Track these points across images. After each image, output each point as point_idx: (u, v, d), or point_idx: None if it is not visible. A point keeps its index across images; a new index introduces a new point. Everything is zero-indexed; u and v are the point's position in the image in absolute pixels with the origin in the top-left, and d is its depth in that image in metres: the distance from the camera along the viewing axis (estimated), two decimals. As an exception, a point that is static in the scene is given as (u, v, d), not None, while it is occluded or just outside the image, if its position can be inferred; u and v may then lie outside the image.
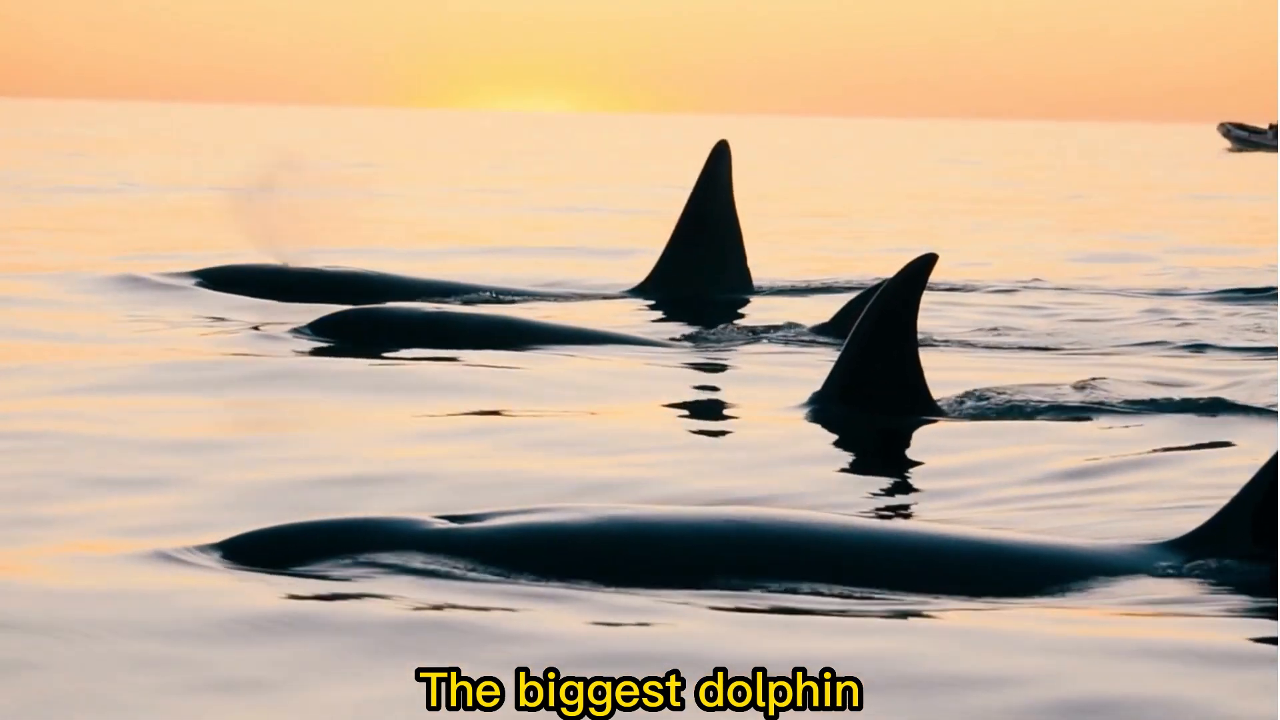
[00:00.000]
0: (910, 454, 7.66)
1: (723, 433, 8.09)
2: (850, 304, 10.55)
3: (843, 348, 8.16)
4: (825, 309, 12.01)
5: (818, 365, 9.87)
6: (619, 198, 30.73)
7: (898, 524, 6.12)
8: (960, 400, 8.42)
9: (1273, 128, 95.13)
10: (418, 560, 5.12)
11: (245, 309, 11.62)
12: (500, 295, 12.57)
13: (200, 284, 12.30)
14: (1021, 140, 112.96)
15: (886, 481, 7.01)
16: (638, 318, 11.92)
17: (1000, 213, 28.53)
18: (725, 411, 8.56)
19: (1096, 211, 29.96)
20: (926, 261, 8.04)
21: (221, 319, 11.21)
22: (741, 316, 12.11)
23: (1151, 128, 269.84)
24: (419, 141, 72.54)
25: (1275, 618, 4.90)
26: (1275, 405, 8.32)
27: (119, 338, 10.40)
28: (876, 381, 8.01)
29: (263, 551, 5.21)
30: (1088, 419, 8.21)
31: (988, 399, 8.50)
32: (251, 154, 40.75)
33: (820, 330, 10.67)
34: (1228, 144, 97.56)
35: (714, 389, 9.23)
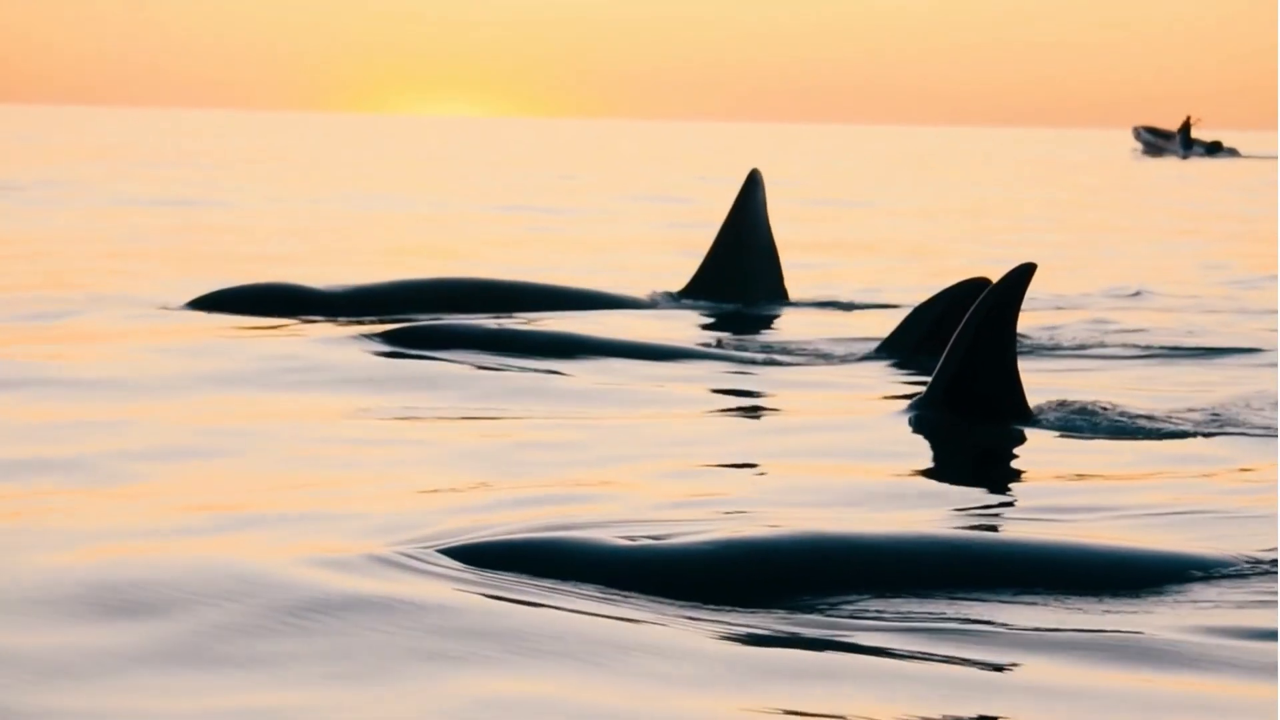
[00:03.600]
0: (1012, 464, 7.67)
1: (823, 445, 7.99)
2: (909, 318, 10.57)
3: (942, 357, 8.14)
4: (869, 324, 12.04)
5: (889, 377, 9.92)
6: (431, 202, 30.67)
7: (1096, 541, 6.04)
8: (1054, 409, 8.40)
9: (1183, 129, 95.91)
10: (624, 579, 5.16)
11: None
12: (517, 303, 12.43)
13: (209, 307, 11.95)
14: (934, 145, 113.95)
15: (993, 492, 7.01)
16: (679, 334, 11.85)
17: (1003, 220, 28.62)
18: (819, 424, 8.48)
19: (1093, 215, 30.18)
20: (1026, 271, 8.03)
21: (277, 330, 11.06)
22: (774, 329, 12.18)
23: (1063, 133, 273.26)
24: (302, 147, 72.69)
25: None
26: None
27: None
28: (976, 390, 8.02)
29: (496, 559, 5.27)
30: (1188, 432, 8.20)
31: (1083, 408, 8.50)
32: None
33: (881, 346, 10.71)
34: (1139, 148, 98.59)
35: (803, 401, 9.17)
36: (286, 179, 39.19)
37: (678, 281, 13.40)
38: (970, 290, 10.37)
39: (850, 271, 17.36)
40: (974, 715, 4.29)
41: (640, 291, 13.24)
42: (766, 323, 12.51)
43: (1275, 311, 13.45)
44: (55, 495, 6.35)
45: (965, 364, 7.99)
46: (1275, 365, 10.31)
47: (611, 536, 5.44)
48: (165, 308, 11.85)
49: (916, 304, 10.81)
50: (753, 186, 13.03)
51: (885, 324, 12.10)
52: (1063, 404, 8.48)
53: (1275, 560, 5.53)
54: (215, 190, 31.94)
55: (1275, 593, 5.23)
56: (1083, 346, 11.30)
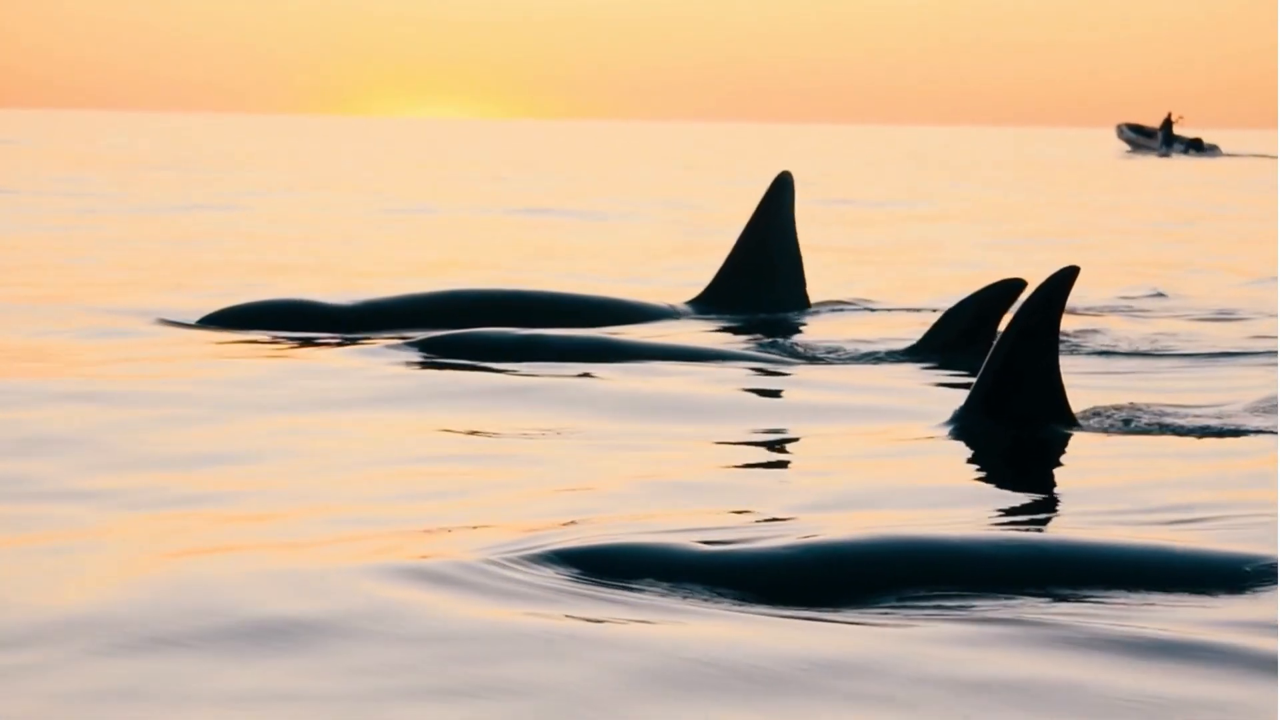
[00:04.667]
0: (1060, 469, 7.65)
1: (870, 450, 8.00)
2: (943, 318, 10.53)
3: (984, 362, 8.10)
4: (893, 326, 11.98)
5: (926, 379, 9.88)
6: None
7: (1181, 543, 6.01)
8: (1095, 413, 8.41)
9: (1164, 126, 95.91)
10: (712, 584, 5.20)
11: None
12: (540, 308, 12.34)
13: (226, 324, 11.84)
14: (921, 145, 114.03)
15: (1043, 496, 7.00)
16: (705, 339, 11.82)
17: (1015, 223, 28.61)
18: (864, 428, 8.47)
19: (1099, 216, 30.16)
20: (1068, 274, 7.98)
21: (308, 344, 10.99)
22: (805, 334, 12.10)
23: (1046, 132, 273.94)
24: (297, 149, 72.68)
25: None
26: None
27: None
28: (1018, 396, 7.96)
29: (578, 564, 5.31)
30: (1231, 432, 8.21)
31: (1124, 411, 8.51)
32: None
33: (915, 347, 10.70)
34: (1125, 147, 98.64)
35: (844, 405, 9.15)
36: (299, 183, 39.13)
37: (691, 288, 13.26)
38: (1005, 291, 10.35)
39: (854, 274, 17.22)
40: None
41: (657, 298, 13.10)
42: (795, 327, 12.41)
43: None
44: (160, 512, 6.33)
45: (1007, 369, 7.93)
46: None
47: (691, 541, 5.49)
48: (174, 322, 11.77)
49: (949, 305, 10.77)
50: (781, 189, 12.74)
51: (909, 326, 12.12)
52: (1103, 408, 8.49)
53: None
54: (235, 197, 31.86)
55: None
56: (1109, 349, 11.27)
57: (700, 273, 13.88)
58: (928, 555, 5.42)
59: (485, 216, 27.59)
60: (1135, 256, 21.00)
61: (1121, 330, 12.22)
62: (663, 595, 5.13)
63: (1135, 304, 14.34)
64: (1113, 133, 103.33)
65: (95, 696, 4.32)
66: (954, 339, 10.46)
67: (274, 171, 46.59)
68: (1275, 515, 6.38)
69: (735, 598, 5.13)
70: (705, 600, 5.10)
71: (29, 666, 4.52)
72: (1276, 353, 10.75)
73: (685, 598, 5.12)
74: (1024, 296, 10.18)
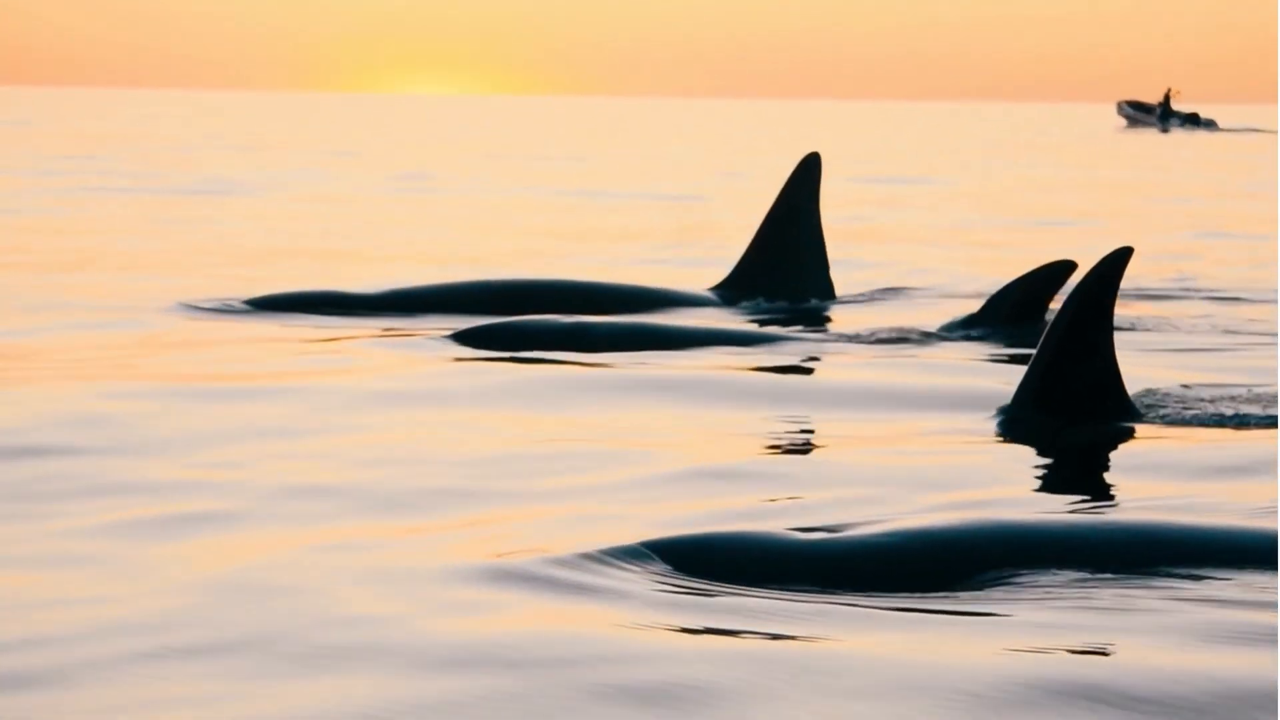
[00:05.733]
0: (1120, 458, 7.56)
1: (928, 434, 7.92)
2: (991, 301, 10.51)
3: (1036, 348, 7.99)
4: (923, 313, 11.97)
5: (975, 363, 9.87)
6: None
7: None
8: (1154, 400, 8.33)
9: (1163, 102, 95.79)
10: (815, 573, 5.14)
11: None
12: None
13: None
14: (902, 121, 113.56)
15: (1105, 485, 6.97)
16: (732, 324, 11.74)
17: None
18: (923, 413, 8.39)
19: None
20: (1121, 256, 7.84)
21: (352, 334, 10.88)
22: (827, 322, 11.98)
23: (1043, 109, 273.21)
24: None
25: None
26: None
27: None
28: (1073, 383, 7.86)
29: (680, 557, 5.22)
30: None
31: (1179, 398, 8.43)
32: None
33: (964, 330, 10.63)
34: (1123, 122, 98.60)
35: (900, 389, 9.07)
36: (330, 162, 38.96)
37: (711, 271, 13.10)
38: (1054, 272, 10.31)
39: (873, 257, 17.08)
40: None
41: (674, 283, 13.01)
42: (828, 314, 12.30)
43: None
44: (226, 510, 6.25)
45: (1060, 355, 7.81)
46: None
47: (787, 530, 5.41)
48: (223, 310, 11.71)
49: (986, 288, 10.72)
50: (808, 170, 12.46)
51: (938, 311, 12.09)
52: (1157, 394, 8.39)
53: None
54: (278, 176, 31.84)
55: None
56: (1153, 333, 11.22)
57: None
58: (1038, 539, 5.36)
59: (563, 199, 27.41)
60: (1157, 232, 20.91)
61: (1145, 311, 12.17)
62: (777, 588, 5.06)
63: (1163, 286, 14.27)
64: (1112, 108, 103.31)
65: (188, 692, 4.30)
66: (1003, 321, 10.41)
67: (302, 150, 46.38)
68: None
69: (848, 588, 5.08)
70: (820, 592, 5.04)
71: (131, 656, 4.51)
72: (1277, 346, 10.71)
73: (798, 589, 5.06)
74: (1075, 278, 10.20)
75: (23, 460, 6.88)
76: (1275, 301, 13.14)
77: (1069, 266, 10.28)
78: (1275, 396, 8.52)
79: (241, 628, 4.74)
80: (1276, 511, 6.11)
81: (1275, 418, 8.08)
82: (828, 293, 12.68)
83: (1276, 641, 4.70)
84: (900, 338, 10.65)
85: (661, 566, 5.20)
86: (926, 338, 10.62)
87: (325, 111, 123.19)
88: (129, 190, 26.70)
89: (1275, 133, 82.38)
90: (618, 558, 5.26)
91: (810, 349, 10.29)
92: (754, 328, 11.10)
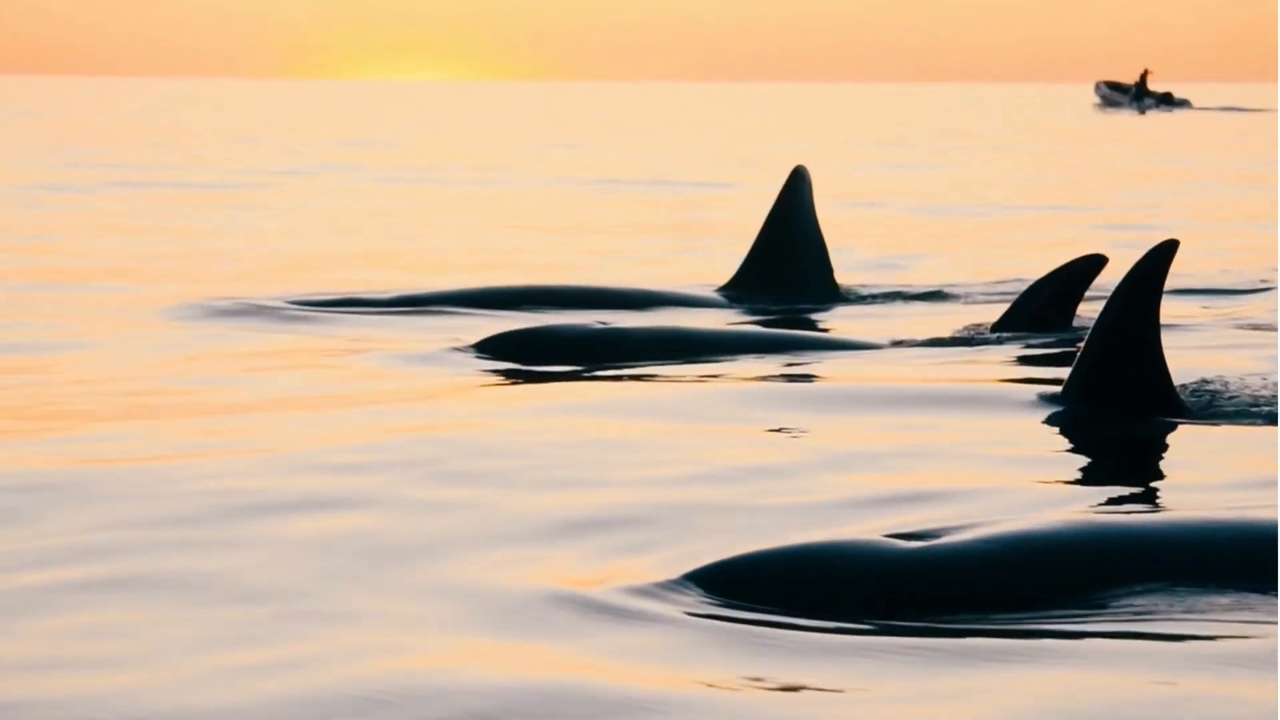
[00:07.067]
0: (1163, 456, 7.48)
1: (975, 435, 7.75)
2: (1021, 298, 10.41)
3: (1083, 344, 7.91)
4: (941, 311, 11.84)
5: (1011, 361, 9.80)
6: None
7: None
8: (1198, 393, 8.22)
9: (1139, 83, 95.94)
10: (907, 585, 4.92)
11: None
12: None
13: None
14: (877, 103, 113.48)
15: (1159, 483, 6.85)
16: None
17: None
18: (963, 414, 8.24)
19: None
20: (1167, 248, 7.70)
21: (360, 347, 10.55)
22: (833, 323, 11.87)
23: (1017, 89, 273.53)
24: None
25: None
26: None
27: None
28: (1120, 379, 7.75)
29: (746, 581, 4.98)
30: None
31: (1227, 392, 8.31)
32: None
33: (995, 327, 10.51)
34: (1097, 101, 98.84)
35: (939, 390, 8.93)
36: (342, 155, 38.72)
37: (705, 271, 12.95)
38: (1085, 268, 10.22)
39: (871, 252, 16.90)
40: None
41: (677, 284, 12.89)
42: (833, 314, 12.18)
43: None
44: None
45: (1108, 349, 7.71)
46: None
47: (885, 539, 5.14)
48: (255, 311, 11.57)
49: (1027, 284, 10.58)
50: (798, 183, 12.46)
51: (955, 309, 12.03)
52: (1205, 388, 8.28)
53: None
54: (322, 168, 31.70)
55: None
56: (1188, 328, 11.00)
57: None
58: (1147, 543, 5.17)
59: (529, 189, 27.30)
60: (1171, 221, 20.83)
61: (1179, 302, 12.01)
62: (896, 598, 4.87)
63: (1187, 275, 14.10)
64: (1089, 88, 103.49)
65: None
66: (1034, 318, 10.31)
67: (321, 140, 46.11)
68: None
69: (965, 599, 4.88)
70: (941, 611, 4.85)
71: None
72: (1277, 343, 10.67)
73: (917, 600, 4.86)
74: (1106, 273, 10.14)
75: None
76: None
77: (1099, 261, 10.19)
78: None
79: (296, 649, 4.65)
80: None
81: None
82: (833, 294, 12.66)
83: None
84: (937, 338, 10.50)
85: (731, 590, 4.96)
86: (966, 338, 10.46)
87: (312, 99, 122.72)
88: (180, 185, 26.54)
89: (1257, 111, 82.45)
90: (682, 583, 5.05)
91: (830, 355, 10.05)
92: (786, 331, 10.90)
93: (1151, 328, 7.71)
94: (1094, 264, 10.25)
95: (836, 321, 11.87)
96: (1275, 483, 6.50)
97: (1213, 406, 8.09)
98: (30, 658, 4.61)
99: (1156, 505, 6.42)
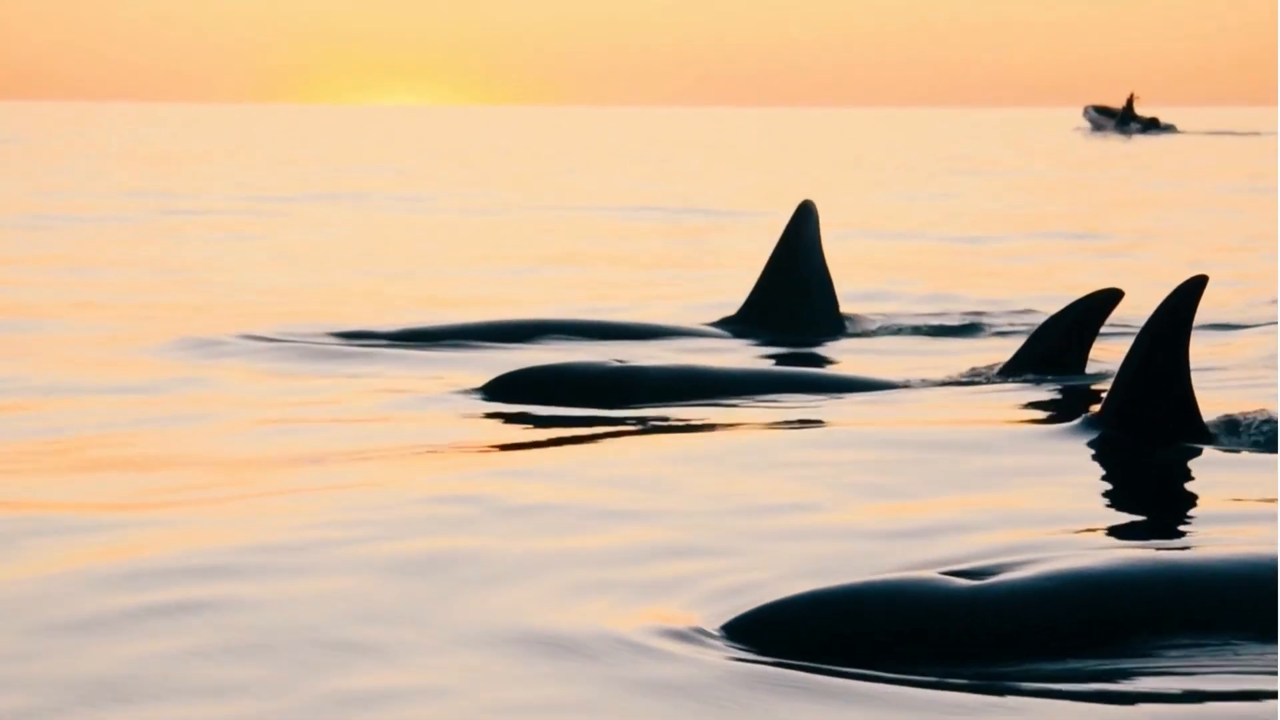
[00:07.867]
0: (1192, 486, 7.41)
1: (1002, 469, 7.68)
2: (1037, 333, 10.33)
3: (1114, 377, 7.96)
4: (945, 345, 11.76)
5: (1031, 395, 9.75)
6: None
7: None
8: (1226, 426, 8.20)
9: (1125, 107, 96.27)
10: (968, 625, 4.82)
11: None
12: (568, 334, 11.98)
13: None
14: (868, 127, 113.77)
15: (1193, 515, 6.83)
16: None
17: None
18: (990, 448, 8.15)
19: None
20: (1197, 284, 7.81)
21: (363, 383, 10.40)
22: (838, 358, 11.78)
23: (1003, 114, 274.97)
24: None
25: None
26: None
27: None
28: (1149, 411, 7.82)
29: (790, 629, 4.88)
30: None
31: (1257, 424, 8.27)
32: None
33: (1011, 363, 10.38)
34: (1087, 127, 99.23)
35: (963, 426, 8.86)
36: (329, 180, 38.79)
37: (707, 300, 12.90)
38: (1102, 302, 10.12)
39: (871, 286, 16.77)
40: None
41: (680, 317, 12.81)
42: (839, 350, 12.10)
43: None
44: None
45: (1138, 383, 7.78)
46: None
47: (942, 577, 5.02)
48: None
49: (1040, 321, 10.52)
50: (805, 217, 12.41)
51: (961, 344, 11.95)
52: (1234, 421, 8.26)
53: None
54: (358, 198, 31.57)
55: None
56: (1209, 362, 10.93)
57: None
58: (1206, 579, 5.10)
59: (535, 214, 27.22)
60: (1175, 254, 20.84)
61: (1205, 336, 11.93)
62: (967, 637, 4.79)
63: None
64: (1077, 112, 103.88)
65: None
66: (1051, 352, 10.21)
67: (341, 166, 46.11)
68: None
69: (1030, 639, 4.81)
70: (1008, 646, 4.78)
71: None
72: (1277, 352, 10.62)
73: (982, 641, 4.78)
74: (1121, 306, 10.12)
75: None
76: None
77: (1115, 295, 10.11)
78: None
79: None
80: None
81: None
82: (839, 327, 12.61)
83: None
84: (953, 375, 10.41)
85: (789, 633, 4.87)
86: (985, 374, 10.37)
87: (308, 125, 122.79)
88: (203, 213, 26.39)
89: (1247, 135, 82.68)
90: (734, 627, 4.97)
91: (849, 395, 9.83)
92: (805, 369, 10.83)
93: (1182, 361, 7.78)
94: (1108, 297, 10.16)
95: (843, 355, 11.82)
96: None
97: (1241, 438, 8.10)
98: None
99: (1202, 538, 6.37)
